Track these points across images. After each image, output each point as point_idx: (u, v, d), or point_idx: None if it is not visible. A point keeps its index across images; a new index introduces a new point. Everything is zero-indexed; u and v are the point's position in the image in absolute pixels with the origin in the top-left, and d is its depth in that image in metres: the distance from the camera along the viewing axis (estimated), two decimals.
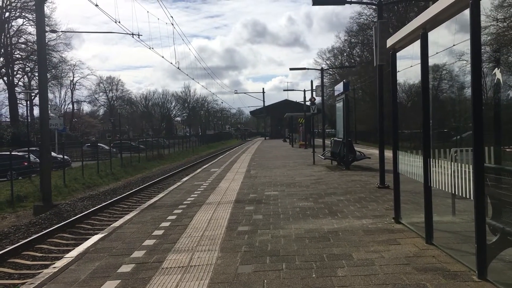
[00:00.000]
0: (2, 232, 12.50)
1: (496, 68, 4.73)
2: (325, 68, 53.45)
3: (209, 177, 16.09)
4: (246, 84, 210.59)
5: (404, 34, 6.43)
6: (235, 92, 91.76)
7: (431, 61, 5.90)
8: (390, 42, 7.17)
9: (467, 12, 4.66)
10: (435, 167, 5.73)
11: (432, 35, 5.76)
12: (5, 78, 59.23)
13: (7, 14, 57.06)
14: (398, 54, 7.23)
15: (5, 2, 55.74)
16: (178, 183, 15.01)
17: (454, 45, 5.47)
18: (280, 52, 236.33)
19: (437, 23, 5.55)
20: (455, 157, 5.50)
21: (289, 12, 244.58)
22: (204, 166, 22.57)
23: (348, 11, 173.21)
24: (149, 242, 6.87)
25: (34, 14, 40.15)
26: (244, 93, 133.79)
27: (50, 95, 64.96)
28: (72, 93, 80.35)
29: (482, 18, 4.51)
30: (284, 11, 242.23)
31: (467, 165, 4.88)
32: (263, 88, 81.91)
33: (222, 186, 13.25)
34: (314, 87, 32.21)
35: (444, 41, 5.73)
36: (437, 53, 5.90)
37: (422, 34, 5.81)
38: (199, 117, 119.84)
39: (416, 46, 6.26)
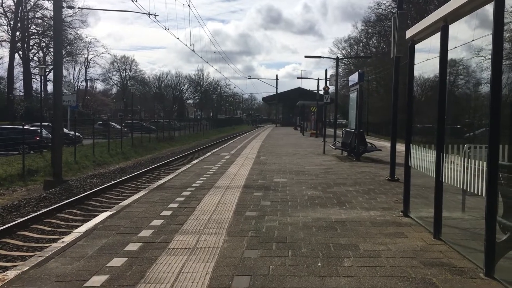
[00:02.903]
0: (12, 204, 12.66)
1: None
2: (340, 57, 53.06)
3: (219, 161, 16.12)
4: (259, 70, 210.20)
5: (425, 25, 6.32)
6: (248, 77, 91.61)
7: (449, 56, 5.81)
8: (409, 33, 7.06)
9: (488, 7, 4.57)
10: (447, 162, 5.68)
11: (452, 29, 5.66)
12: (20, 53, 59.64)
13: None
14: (415, 46, 7.12)
15: None
16: (188, 166, 15.06)
17: (473, 40, 5.38)
18: (295, 39, 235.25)
19: (458, 17, 5.45)
20: (468, 153, 5.45)
21: (305, 0, 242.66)
22: (214, 150, 22.61)
23: (364, 2, 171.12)
24: (156, 222, 6.92)
25: None
26: (257, 79, 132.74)
27: (64, 72, 65.24)
28: (86, 71, 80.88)
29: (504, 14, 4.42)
30: None
31: (480, 161, 4.83)
32: (276, 75, 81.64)
33: (231, 171, 13.27)
34: (328, 76, 31.99)
35: (463, 36, 5.63)
36: (455, 47, 5.80)
37: (443, 26, 5.70)
38: (211, 101, 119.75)
39: (434, 39, 6.16)
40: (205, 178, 11.67)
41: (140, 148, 31.45)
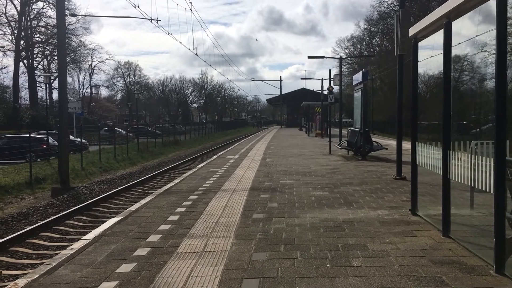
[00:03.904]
0: (20, 213, 12.72)
1: None
2: (344, 57, 52.96)
3: (225, 164, 16.13)
4: (263, 72, 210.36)
5: (428, 23, 6.31)
6: (252, 79, 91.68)
7: (453, 52, 5.78)
8: (412, 31, 7.05)
9: (491, 2, 4.55)
10: (454, 159, 5.65)
11: (455, 25, 5.64)
12: (25, 61, 59.99)
13: None
14: (419, 44, 7.11)
15: None
16: (194, 169, 15.08)
17: (477, 35, 5.36)
18: (297, 40, 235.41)
19: (461, 13, 5.43)
20: (475, 150, 5.42)
21: (306, 0, 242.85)
22: (220, 153, 22.62)
23: (365, 1, 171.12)
24: (164, 226, 6.93)
25: None
26: (261, 80, 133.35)
27: (69, 79, 65.61)
28: (90, 77, 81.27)
29: (507, 8, 4.41)
30: None
31: (487, 158, 4.80)
32: (280, 76, 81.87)
33: (238, 173, 13.27)
34: (332, 76, 31.96)
35: (467, 32, 5.61)
36: (459, 43, 5.78)
37: (446, 23, 5.69)
38: (216, 104, 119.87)
39: (437, 36, 6.14)
40: (211, 182, 11.68)
41: (146, 153, 31.52)
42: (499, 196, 4.45)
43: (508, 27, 4.48)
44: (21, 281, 4.78)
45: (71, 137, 26.81)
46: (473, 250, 5.33)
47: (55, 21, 20.93)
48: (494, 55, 4.50)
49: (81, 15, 55.27)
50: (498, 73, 4.42)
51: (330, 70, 31.97)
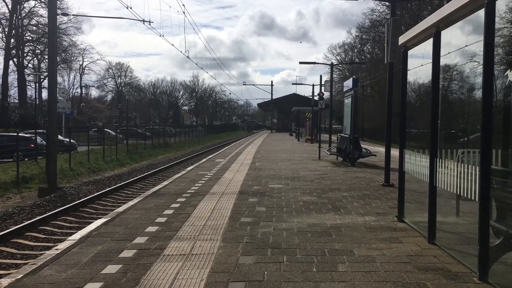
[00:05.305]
0: (6, 212, 12.59)
1: (509, 70, 4.69)
2: (335, 63, 53.24)
3: (214, 167, 16.12)
4: (254, 76, 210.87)
5: (417, 32, 6.38)
6: (244, 83, 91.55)
7: (443, 61, 5.85)
8: (402, 39, 7.12)
9: (481, 13, 4.62)
10: (441, 167, 5.71)
11: (445, 35, 5.71)
12: (15, 60, 59.48)
13: None
14: (409, 52, 7.18)
15: None
16: (183, 172, 15.04)
17: (466, 45, 5.42)
18: (288, 46, 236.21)
19: (450, 23, 5.50)
20: (461, 158, 5.48)
21: (298, 7, 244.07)
22: (209, 156, 22.59)
23: (355, 8, 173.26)
24: (151, 228, 6.91)
25: None
26: (252, 85, 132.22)
27: (59, 79, 65.08)
28: (80, 78, 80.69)
29: (496, 19, 4.47)
30: (294, 5, 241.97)
31: (473, 166, 4.86)
32: (271, 81, 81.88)
33: (227, 177, 13.27)
34: (323, 82, 32.08)
35: (457, 42, 5.68)
36: (449, 53, 5.85)
37: (435, 32, 5.76)
38: (207, 107, 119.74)
39: (428, 45, 6.21)
40: (200, 184, 11.66)
41: (135, 154, 31.38)
42: (484, 204, 4.51)
43: (496, 37, 4.54)
44: (5, 281, 4.74)
45: (60, 137, 26.59)
46: (458, 258, 5.38)
47: (47, 20, 20.75)
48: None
49: (73, 15, 55.02)
50: (484, 83, 4.48)
51: (321, 76, 32.13)
